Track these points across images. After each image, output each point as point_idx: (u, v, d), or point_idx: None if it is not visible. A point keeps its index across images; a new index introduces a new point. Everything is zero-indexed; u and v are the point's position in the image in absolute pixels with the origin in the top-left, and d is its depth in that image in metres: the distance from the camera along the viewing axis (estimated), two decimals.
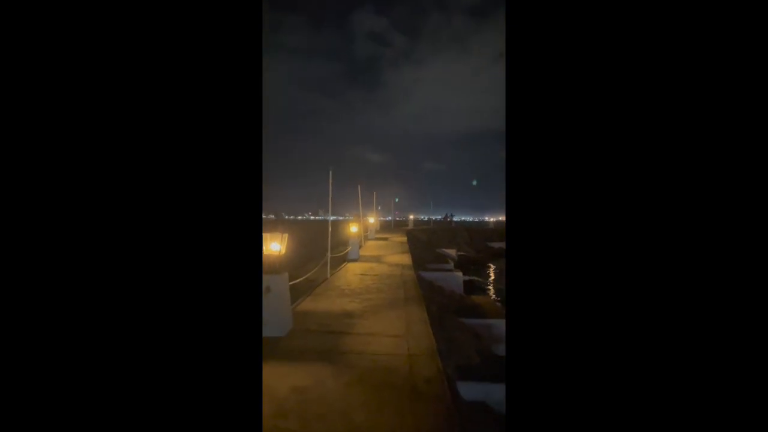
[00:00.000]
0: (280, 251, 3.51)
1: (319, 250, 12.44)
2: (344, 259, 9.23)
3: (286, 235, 3.58)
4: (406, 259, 9.75)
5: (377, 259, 9.68)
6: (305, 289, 5.89)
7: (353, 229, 9.75)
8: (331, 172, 6.66)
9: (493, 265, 20.72)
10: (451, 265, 15.30)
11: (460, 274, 12.09)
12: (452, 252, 19.79)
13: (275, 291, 3.38)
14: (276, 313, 3.36)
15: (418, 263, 11.09)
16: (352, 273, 7.30)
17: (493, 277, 17.61)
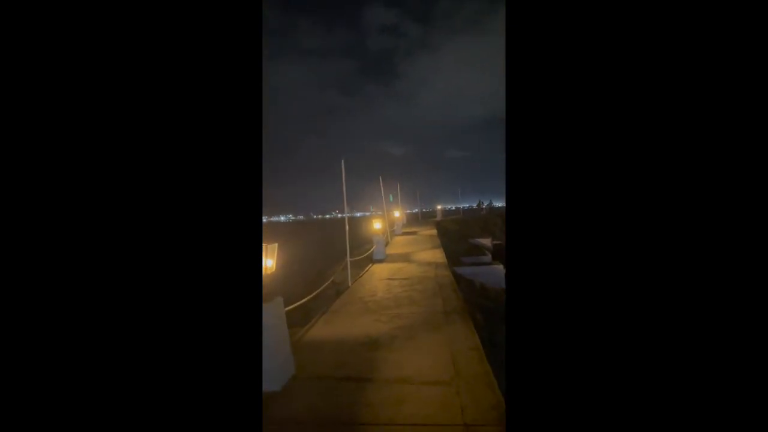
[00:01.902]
0: (267, 268, 2.51)
1: (344, 251, 11.61)
2: (370, 259, 8.24)
3: (275, 246, 2.58)
4: (438, 255, 8.61)
5: (406, 257, 8.60)
6: (329, 298, 4.93)
7: (377, 225, 8.71)
8: (343, 162, 5.62)
9: None
10: (489, 256, 14.01)
11: (500, 267, 10.82)
12: (487, 242, 18.40)
13: (265, 326, 2.39)
14: (268, 357, 2.37)
15: (452, 258, 9.92)
16: (378, 277, 6.28)
17: None
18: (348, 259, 5.81)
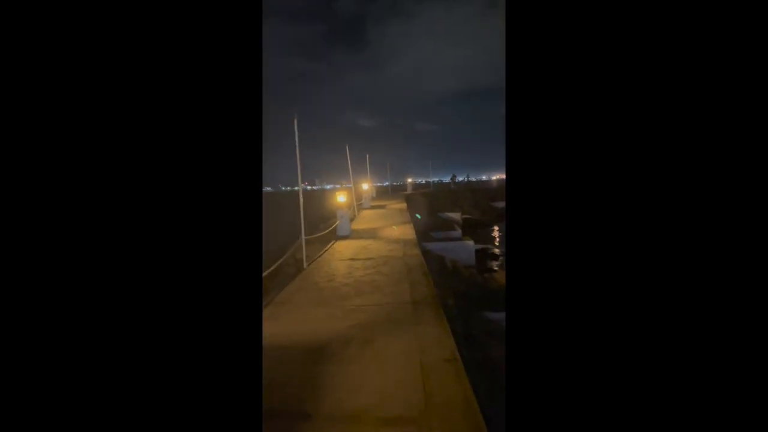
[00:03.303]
0: None
1: (310, 225, 10.72)
2: (334, 234, 7.48)
3: None
4: (408, 231, 7.98)
5: (373, 233, 7.90)
6: (289, 276, 4.16)
7: (341, 198, 7.89)
8: (296, 122, 4.68)
9: (499, 226, 19.42)
10: (459, 231, 13.67)
11: (471, 242, 10.45)
12: (456, 216, 18.12)
13: None
14: None
15: (422, 233, 9.37)
16: (339, 257, 5.54)
17: (498, 241, 16.15)
18: (303, 237, 5.00)
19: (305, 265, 4.92)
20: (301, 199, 4.89)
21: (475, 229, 17.81)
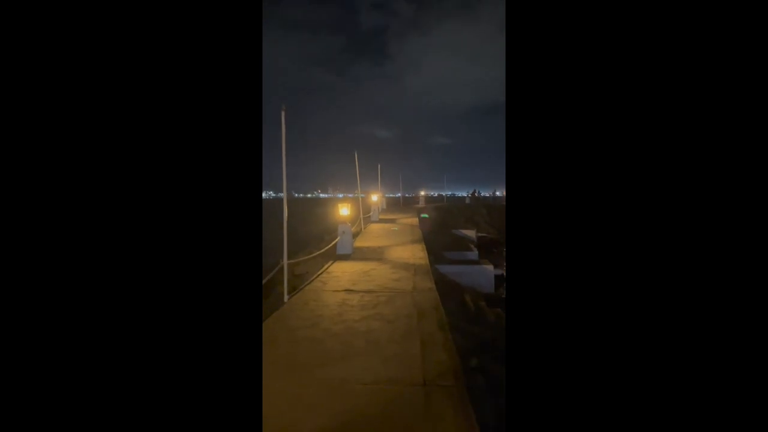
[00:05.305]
0: None
1: (314, 238, 9.67)
2: (333, 255, 6.41)
3: None
4: (419, 253, 6.84)
5: (379, 253, 6.79)
6: (278, 298, 3.07)
7: (343, 211, 6.84)
8: (283, 114, 3.66)
9: None
10: (475, 252, 12.42)
11: (490, 267, 9.19)
12: (471, 233, 16.87)
13: None
14: None
15: (434, 252, 8.22)
16: (332, 286, 4.44)
17: None
18: (285, 261, 3.91)
19: (286, 297, 3.82)
20: (286, 212, 3.81)
21: (490, 248, 16.54)
